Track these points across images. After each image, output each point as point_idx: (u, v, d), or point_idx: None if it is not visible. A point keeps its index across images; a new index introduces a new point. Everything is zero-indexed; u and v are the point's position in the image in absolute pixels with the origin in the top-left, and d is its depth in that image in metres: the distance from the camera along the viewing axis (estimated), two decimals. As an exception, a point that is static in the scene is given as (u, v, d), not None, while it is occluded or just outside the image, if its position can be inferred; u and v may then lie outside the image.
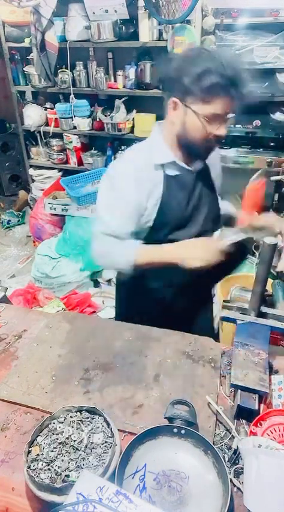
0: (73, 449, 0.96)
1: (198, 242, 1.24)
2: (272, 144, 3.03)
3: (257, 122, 2.93)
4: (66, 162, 3.79)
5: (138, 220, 1.30)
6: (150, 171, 1.27)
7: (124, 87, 3.23)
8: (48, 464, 0.93)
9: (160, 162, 1.28)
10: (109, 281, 3.22)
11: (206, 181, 1.37)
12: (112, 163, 1.42)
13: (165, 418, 1.03)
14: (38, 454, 0.95)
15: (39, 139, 3.80)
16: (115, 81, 3.25)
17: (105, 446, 0.97)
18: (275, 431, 0.99)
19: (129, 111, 3.27)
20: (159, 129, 1.32)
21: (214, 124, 1.16)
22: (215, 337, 1.66)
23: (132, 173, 1.26)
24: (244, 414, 1.08)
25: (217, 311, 2.53)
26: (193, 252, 1.21)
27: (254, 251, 2.85)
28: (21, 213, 4.24)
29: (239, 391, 1.09)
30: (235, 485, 0.93)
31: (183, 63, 1.14)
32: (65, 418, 1.03)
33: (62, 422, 1.02)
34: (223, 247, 1.19)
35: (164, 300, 1.48)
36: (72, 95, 3.35)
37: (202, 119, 1.15)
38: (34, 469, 0.93)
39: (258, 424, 1.00)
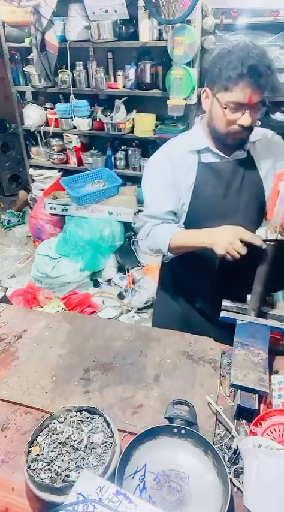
0: (73, 449, 0.96)
1: (224, 229, 1.20)
2: (272, 144, 3.03)
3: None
4: (66, 162, 3.79)
5: (175, 202, 1.37)
6: (185, 157, 1.34)
7: (124, 87, 3.23)
8: (48, 464, 0.93)
9: (194, 149, 1.34)
10: (109, 281, 3.22)
11: (249, 171, 1.34)
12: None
13: (165, 418, 1.03)
14: (38, 454, 0.95)
15: (39, 139, 3.80)
16: (115, 81, 3.25)
17: (105, 446, 0.97)
18: (275, 431, 0.99)
19: (129, 111, 3.27)
20: (199, 119, 1.39)
21: (237, 112, 1.19)
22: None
23: (165, 158, 1.36)
24: (244, 414, 1.08)
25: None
26: (216, 237, 1.19)
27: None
28: (21, 213, 4.24)
29: (239, 391, 1.09)
30: (235, 485, 0.93)
31: (216, 55, 1.19)
32: (65, 418, 1.03)
33: (62, 422, 1.02)
34: (252, 241, 1.15)
35: (198, 293, 1.52)
36: (72, 95, 3.35)
37: (224, 107, 1.19)
38: (34, 469, 0.93)
39: (258, 424, 1.00)
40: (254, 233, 1.19)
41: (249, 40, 1.18)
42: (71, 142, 3.59)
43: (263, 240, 1.16)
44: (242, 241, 1.15)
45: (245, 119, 1.19)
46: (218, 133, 1.28)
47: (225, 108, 1.20)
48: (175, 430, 1.00)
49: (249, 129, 1.23)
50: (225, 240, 1.16)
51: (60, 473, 0.91)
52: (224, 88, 1.17)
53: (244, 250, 1.15)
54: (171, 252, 1.36)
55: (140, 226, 1.47)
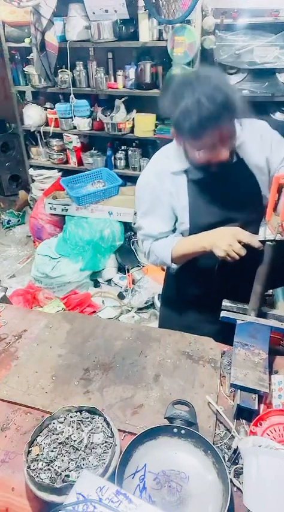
0: (74, 449, 0.96)
1: (222, 231, 1.20)
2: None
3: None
4: (66, 162, 3.79)
5: (169, 220, 1.36)
6: (171, 177, 1.31)
7: (124, 87, 3.23)
8: (48, 464, 0.93)
9: (175, 170, 1.30)
10: (109, 281, 3.22)
11: (241, 174, 1.30)
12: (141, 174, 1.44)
13: (165, 418, 1.03)
14: (38, 454, 0.95)
15: (39, 139, 3.80)
16: (115, 81, 3.25)
17: (105, 446, 0.97)
18: (275, 431, 0.99)
19: (129, 111, 3.27)
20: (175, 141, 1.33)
21: (212, 152, 1.16)
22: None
23: (154, 179, 1.33)
24: (244, 414, 1.08)
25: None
26: (215, 240, 1.19)
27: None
28: (21, 213, 4.24)
29: (239, 391, 1.09)
30: (235, 485, 0.93)
31: (170, 98, 1.13)
32: (65, 418, 1.03)
33: (62, 422, 1.02)
34: (250, 242, 1.14)
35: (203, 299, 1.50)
36: (72, 95, 3.35)
37: (197, 151, 1.16)
38: (34, 469, 0.93)
39: (258, 424, 1.00)
40: (256, 233, 1.19)
41: (200, 73, 1.11)
42: (70, 142, 3.60)
43: (263, 241, 1.16)
44: (240, 242, 1.15)
45: (222, 155, 1.16)
46: (200, 165, 1.24)
47: (199, 150, 1.16)
48: (175, 430, 1.00)
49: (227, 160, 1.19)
50: (224, 242, 1.16)
51: (60, 473, 0.91)
52: (190, 138, 1.14)
53: (243, 252, 1.15)
54: (175, 262, 1.37)
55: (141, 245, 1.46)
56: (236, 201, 1.31)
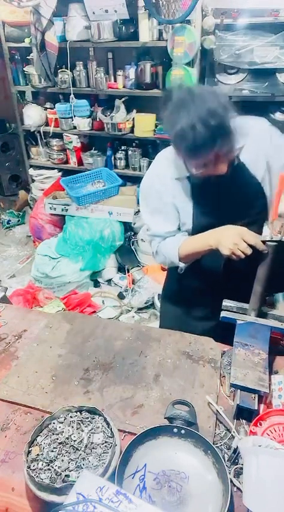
0: (73, 449, 0.96)
1: (228, 230, 1.22)
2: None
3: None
4: (66, 162, 3.79)
5: (174, 219, 1.38)
6: (174, 181, 1.32)
7: (124, 87, 3.23)
8: (48, 464, 0.93)
9: (177, 177, 1.31)
10: (109, 281, 3.22)
11: (243, 176, 1.30)
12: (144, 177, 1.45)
13: (165, 418, 1.03)
14: (38, 454, 0.95)
15: (39, 139, 3.80)
16: (115, 81, 3.25)
17: (105, 446, 0.97)
18: (275, 431, 0.99)
19: (129, 111, 3.27)
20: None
21: (210, 168, 1.16)
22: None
23: (157, 183, 1.35)
24: (244, 414, 1.08)
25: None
26: (221, 238, 1.21)
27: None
28: (21, 213, 4.24)
29: (239, 391, 1.09)
30: (235, 485, 0.93)
31: (167, 117, 1.13)
32: (65, 418, 1.03)
33: (62, 422, 1.02)
34: (255, 244, 1.15)
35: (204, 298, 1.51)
36: (72, 95, 3.35)
37: (195, 168, 1.17)
38: (34, 469, 0.93)
39: (258, 424, 1.00)
40: (260, 233, 1.19)
41: (196, 93, 1.10)
42: (70, 142, 3.60)
43: (266, 241, 1.16)
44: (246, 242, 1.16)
45: (219, 169, 1.17)
46: (199, 179, 1.25)
47: (196, 168, 1.18)
48: (175, 430, 1.00)
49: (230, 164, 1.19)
50: (230, 240, 1.17)
51: (60, 473, 0.91)
52: (188, 159, 1.16)
53: (249, 251, 1.15)
54: (183, 261, 1.38)
55: (148, 241, 1.48)
56: (240, 202, 1.31)
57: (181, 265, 1.39)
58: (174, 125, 1.10)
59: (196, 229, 1.35)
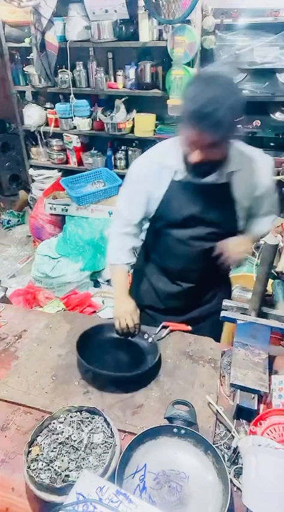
0: (73, 449, 0.96)
1: (124, 306, 1.42)
2: (272, 144, 3.03)
3: (257, 122, 2.93)
4: (66, 162, 3.79)
5: (146, 209, 1.41)
6: (160, 168, 1.34)
7: (124, 87, 3.23)
8: (48, 464, 0.93)
9: (169, 166, 1.33)
10: (109, 281, 3.22)
11: (222, 195, 1.33)
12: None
13: (165, 418, 1.03)
14: (38, 454, 0.95)
15: (39, 139, 3.80)
16: (115, 81, 3.25)
17: (105, 446, 0.97)
18: (275, 430, 0.99)
19: (129, 111, 3.27)
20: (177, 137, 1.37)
21: (191, 147, 1.19)
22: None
23: (143, 167, 1.40)
24: (244, 414, 1.08)
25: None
26: (118, 307, 1.42)
27: (255, 251, 2.86)
28: (21, 213, 4.24)
29: (238, 391, 1.09)
30: (235, 485, 0.93)
31: (184, 92, 1.17)
32: (65, 418, 1.03)
33: (62, 422, 1.02)
34: (129, 326, 1.38)
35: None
36: (72, 95, 3.35)
37: (182, 138, 1.20)
38: (34, 469, 0.93)
39: (258, 424, 1.00)
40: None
41: (227, 71, 1.15)
42: (70, 142, 3.60)
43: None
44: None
45: (193, 155, 1.18)
46: (183, 157, 1.28)
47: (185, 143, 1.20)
48: (175, 430, 1.00)
49: (208, 162, 1.21)
50: (119, 315, 1.39)
51: (60, 473, 0.91)
52: (183, 123, 1.17)
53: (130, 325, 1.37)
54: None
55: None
56: (207, 214, 1.35)
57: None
58: (184, 98, 1.14)
59: (158, 219, 1.42)
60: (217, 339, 1.54)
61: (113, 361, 1.33)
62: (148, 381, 1.22)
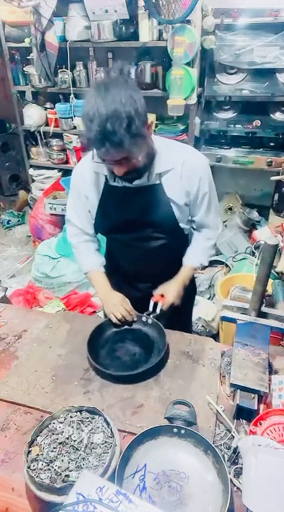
0: (73, 449, 0.96)
1: (111, 298, 1.45)
2: (272, 144, 3.04)
3: (257, 122, 2.93)
4: (66, 162, 3.79)
5: (83, 217, 1.47)
6: (95, 174, 1.35)
7: (124, 87, 3.23)
8: (48, 464, 0.93)
9: (96, 171, 1.34)
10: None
11: (156, 196, 1.32)
12: None
13: (165, 418, 1.03)
14: (38, 454, 0.95)
15: (39, 139, 3.80)
16: (115, 81, 3.24)
17: (105, 446, 0.97)
18: (275, 430, 0.99)
19: (129, 111, 3.27)
20: None
21: (107, 165, 1.19)
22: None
23: (79, 174, 1.41)
24: (244, 414, 1.08)
25: (217, 311, 2.53)
26: (108, 303, 1.45)
27: (255, 251, 2.86)
28: (21, 213, 4.24)
29: (238, 391, 1.09)
30: (235, 485, 0.93)
31: (82, 111, 1.12)
32: (65, 418, 1.03)
33: (62, 422, 1.02)
34: (126, 316, 1.41)
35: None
36: (72, 95, 3.35)
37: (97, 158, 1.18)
38: (34, 469, 0.93)
39: (258, 424, 1.00)
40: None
41: (110, 87, 1.06)
42: (71, 142, 3.59)
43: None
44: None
45: (115, 170, 1.19)
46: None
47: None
48: (175, 430, 1.00)
49: (133, 170, 1.20)
50: (110, 308, 1.42)
51: (60, 473, 0.91)
52: (89, 146, 1.15)
53: (125, 314, 1.40)
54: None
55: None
56: (145, 216, 1.35)
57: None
58: (86, 123, 1.08)
59: (98, 226, 1.46)
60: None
61: (126, 356, 1.34)
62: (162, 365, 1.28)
